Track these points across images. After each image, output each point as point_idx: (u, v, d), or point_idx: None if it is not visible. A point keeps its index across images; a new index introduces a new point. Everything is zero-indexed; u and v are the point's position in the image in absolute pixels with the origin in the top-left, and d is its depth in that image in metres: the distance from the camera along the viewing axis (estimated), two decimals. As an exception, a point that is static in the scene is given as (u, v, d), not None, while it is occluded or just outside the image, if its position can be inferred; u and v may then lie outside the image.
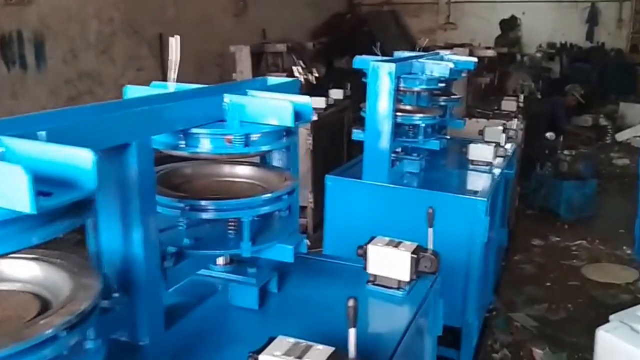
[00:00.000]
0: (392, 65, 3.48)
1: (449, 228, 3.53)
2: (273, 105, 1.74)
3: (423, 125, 3.81)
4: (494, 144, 4.16)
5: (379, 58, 3.79)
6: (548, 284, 5.07)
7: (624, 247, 5.78)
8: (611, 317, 3.21)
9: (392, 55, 4.21)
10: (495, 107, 6.60)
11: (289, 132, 1.93)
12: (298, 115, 1.78)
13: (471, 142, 4.20)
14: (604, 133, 10.63)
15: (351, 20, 14.64)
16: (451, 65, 3.84)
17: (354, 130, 3.85)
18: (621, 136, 10.48)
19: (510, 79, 8.51)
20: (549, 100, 9.04)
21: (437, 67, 3.81)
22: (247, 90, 1.91)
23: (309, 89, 6.42)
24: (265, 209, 1.81)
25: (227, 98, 1.78)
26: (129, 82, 7.07)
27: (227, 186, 1.99)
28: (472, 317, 3.56)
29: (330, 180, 3.75)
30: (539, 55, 13.15)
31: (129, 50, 8.17)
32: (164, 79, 1.89)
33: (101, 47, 7.75)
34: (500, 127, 4.55)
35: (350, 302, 1.34)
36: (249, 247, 1.79)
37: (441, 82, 4.00)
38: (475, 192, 3.52)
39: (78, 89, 7.34)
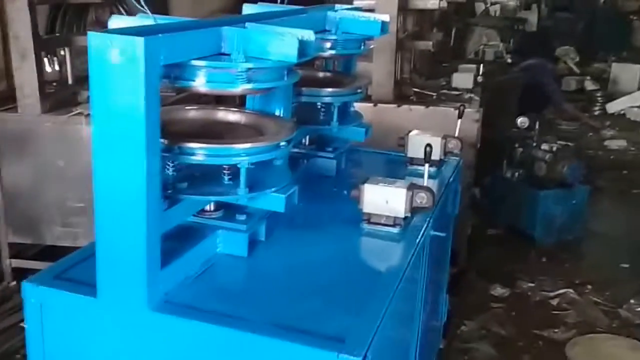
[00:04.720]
0: (140, 41, 1.43)
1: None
2: None
3: (248, 164, 1.76)
4: (408, 184, 2.17)
5: (132, 26, 1.70)
6: (513, 383, 3.11)
7: (632, 301, 3.81)
8: None
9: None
10: (444, 83, 4.57)
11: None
12: None
13: (367, 179, 2.20)
14: (592, 102, 8.56)
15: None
16: (309, 36, 1.80)
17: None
18: (613, 106, 8.37)
19: (470, 38, 6.39)
20: (528, 65, 6.74)
21: (276, 44, 1.75)
22: None
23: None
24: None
25: None
26: None
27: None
28: None
29: (30, 292, 1.70)
30: (512, 3, 10.88)
31: None
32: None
33: None
34: (438, 138, 2.64)
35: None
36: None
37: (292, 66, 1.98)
38: (340, 336, 1.49)
39: None
